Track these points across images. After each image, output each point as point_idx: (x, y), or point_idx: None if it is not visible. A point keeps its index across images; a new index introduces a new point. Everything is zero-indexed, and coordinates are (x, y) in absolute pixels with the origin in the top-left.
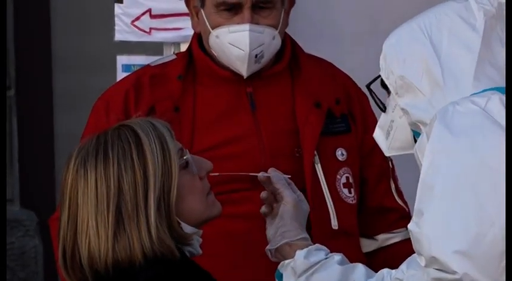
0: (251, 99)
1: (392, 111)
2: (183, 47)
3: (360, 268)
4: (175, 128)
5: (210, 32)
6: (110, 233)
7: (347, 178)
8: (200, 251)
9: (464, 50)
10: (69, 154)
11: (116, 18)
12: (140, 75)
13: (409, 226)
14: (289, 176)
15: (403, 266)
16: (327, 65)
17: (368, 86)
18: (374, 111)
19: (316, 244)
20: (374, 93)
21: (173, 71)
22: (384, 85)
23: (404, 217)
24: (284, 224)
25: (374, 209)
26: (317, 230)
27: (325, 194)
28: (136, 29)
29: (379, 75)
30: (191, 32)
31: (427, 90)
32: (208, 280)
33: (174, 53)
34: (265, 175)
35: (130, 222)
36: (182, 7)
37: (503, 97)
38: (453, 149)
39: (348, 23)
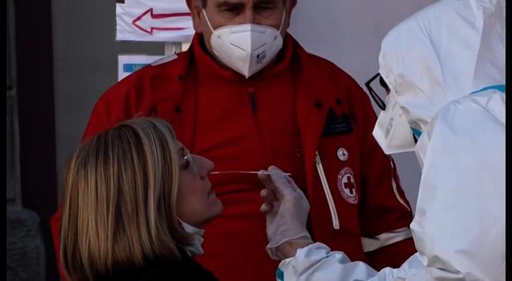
0: (252, 99)
1: (392, 109)
2: (185, 47)
3: (361, 266)
4: (176, 128)
5: (211, 32)
6: (109, 234)
7: (348, 178)
8: (202, 251)
9: (463, 48)
10: (70, 154)
11: (117, 18)
12: (141, 75)
13: (411, 225)
14: (289, 174)
15: (405, 265)
16: (328, 65)
17: (367, 84)
18: (375, 111)
19: (317, 243)
20: (373, 91)
21: (174, 71)
22: (383, 83)
23: (405, 216)
24: (284, 222)
25: (375, 208)
26: (318, 230)
27: (326, 194)
28: (138, 29)
29: (379, 73)
30: (193, 32)
31: (427, 88)
32: (209, 279)
33: (175, 52)
34: (265, 172)
35: (130, 222)
36: (184, 7)
37: (504, 95)
38: (455, 148)
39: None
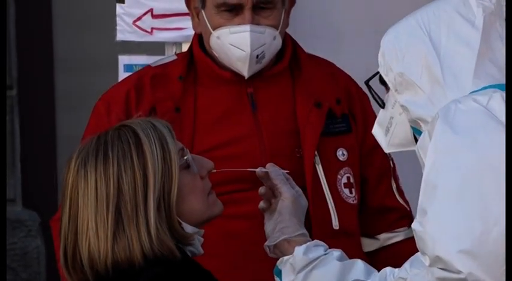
0: (252, 99)
1: (392, 108)
2: (185, 47)
3: (359, 264)
4: (176, 128)
5: (211, 33)
6: (109, 234)
7: (348, 178)
8: (202, 251)
9: (463, 46)
10: (70, 155)
11: (117, 18)
12: (141, 75)
13: (412, 225)
14: (288, 171)
15: (406, 265)
16: (328, 65)
17: (367, 83)
18: (374, 110)
19: (315, 240)
20: (373, 89)
21: (174, 72)
22: (382, 81)
23: (405, 216)
24: (282, 220)
25: (375, 208)
26: (318, 231)
27: (326, 194)
28: (138, 29)
29: (378, 72)
30: (193, 32)
31: (427, 87)
32: (209, 279)
33: (175, 53)
34: (264, 170)
35: (129, 223)
36: (184, 7)
37: (505, 94)
38: (456, 148)
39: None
